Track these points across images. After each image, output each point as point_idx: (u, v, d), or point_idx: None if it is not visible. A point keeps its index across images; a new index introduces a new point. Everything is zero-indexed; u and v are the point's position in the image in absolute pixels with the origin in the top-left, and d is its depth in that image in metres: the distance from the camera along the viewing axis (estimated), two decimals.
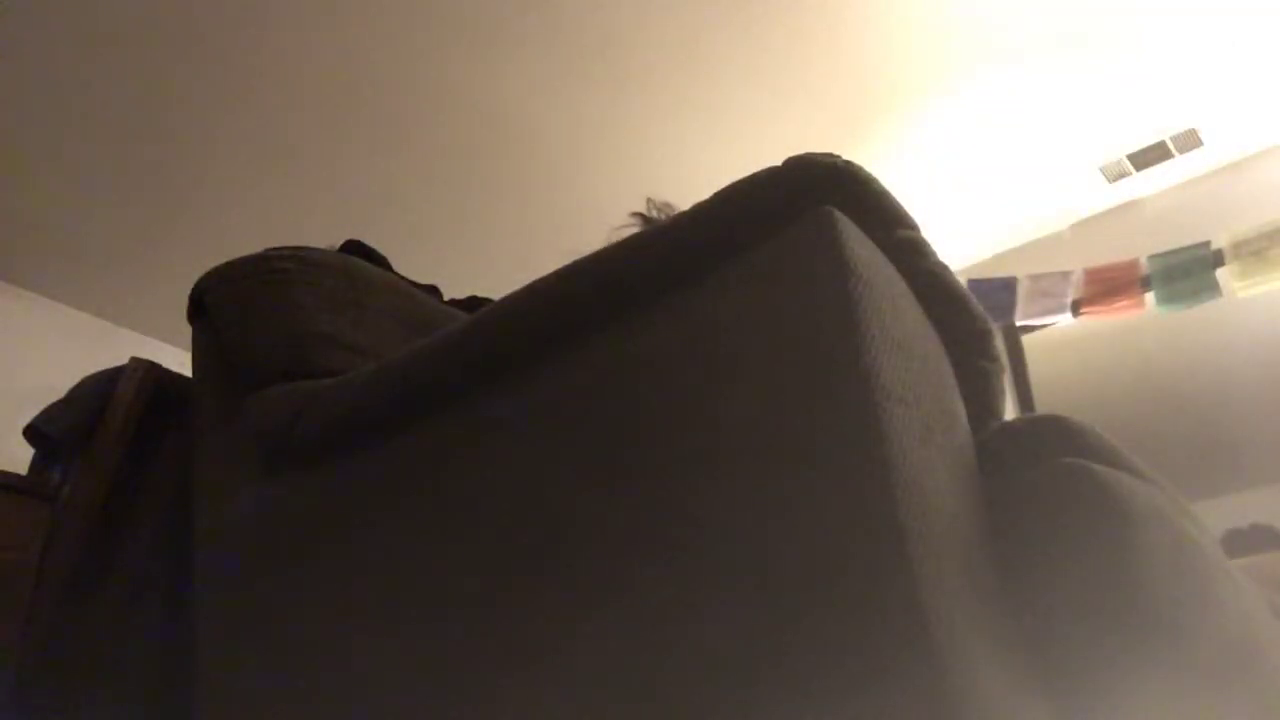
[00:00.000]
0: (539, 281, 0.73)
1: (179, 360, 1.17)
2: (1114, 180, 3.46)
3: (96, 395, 1.26)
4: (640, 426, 0.60)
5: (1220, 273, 3.02)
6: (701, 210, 0.68)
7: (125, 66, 2.64)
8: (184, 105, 2.79)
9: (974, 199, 3.54)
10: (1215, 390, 3.55)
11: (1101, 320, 3.28)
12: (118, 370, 1.28)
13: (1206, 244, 3.07)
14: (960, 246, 3.74)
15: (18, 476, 1.33)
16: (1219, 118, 3.18)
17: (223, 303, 1.02)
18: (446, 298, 1.34)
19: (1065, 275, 3.29)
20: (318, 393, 0.84)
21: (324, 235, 1.40)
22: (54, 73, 2.63)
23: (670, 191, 1.68)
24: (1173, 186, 3.50)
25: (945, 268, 0.68)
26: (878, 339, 0.52)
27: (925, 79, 2.96)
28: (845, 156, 0.66)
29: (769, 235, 0.60)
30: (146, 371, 1.23)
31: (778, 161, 0.66)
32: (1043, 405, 3.44)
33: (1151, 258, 3.15)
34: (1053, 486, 0.56)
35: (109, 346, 3.54)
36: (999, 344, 0.71)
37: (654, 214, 1.60)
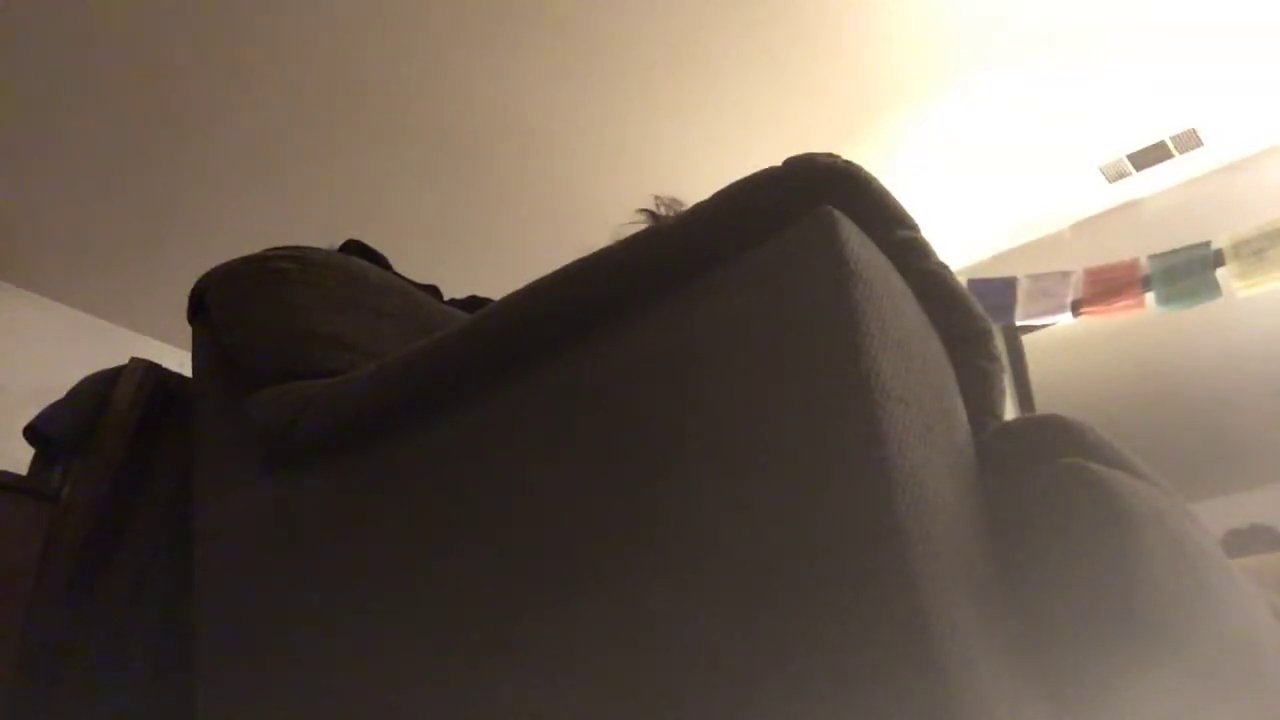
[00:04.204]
0: (539, 281, 0.73)
1: (179, 360, 1.17)
2: (1114, 180, 3.46)
3: (96, 395, 1.26)
4: (641, 426, 0.60)
5: (1220, 273, 3.02)
6: (701, 210, 0.68)
7: (125, 66, 2.64)
8: (183, 105, 2.79)
9: (974, 199, 3.54)
10: (1215, 390, 3.55)
11: (1101, 320, 3.28)
12: (118, 370, 1.28)
13: (1206, 244, 3.07)
14: (960, 246, 3.74)
15: (18, 476, 1.33)
16: (1219, 118, 3.18)
17: (223, 303, 1.02)
18: (446, 298, 1.34)
19: (1065, 275, 3.29)
20: (318, 393, 0.84)
21: (324, 235, 1.40)
22: (53, 72, 2.63)
23: (670, 191, 1.68)
24: (1173, 186, 3.49)
25: (945, 268, 0.69)
26: (878, 339, 0.52)
27: (925, 79, 2.96)
28: (845, 156, 0.66)
29: (769, 235, 0.60)
30: (146, 371, 1.23)
31: (778, 161, 0.66)
32: (1043, 405, 3.44)
33: (1151, 258, 3.15)
34: (1053, 486, 0.56)
35: (109, 346, 3.54)
36: (999, 344, 0.71)
37: (661, 210, 1.60)
